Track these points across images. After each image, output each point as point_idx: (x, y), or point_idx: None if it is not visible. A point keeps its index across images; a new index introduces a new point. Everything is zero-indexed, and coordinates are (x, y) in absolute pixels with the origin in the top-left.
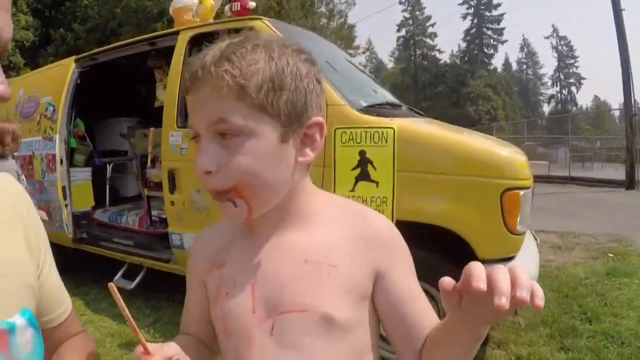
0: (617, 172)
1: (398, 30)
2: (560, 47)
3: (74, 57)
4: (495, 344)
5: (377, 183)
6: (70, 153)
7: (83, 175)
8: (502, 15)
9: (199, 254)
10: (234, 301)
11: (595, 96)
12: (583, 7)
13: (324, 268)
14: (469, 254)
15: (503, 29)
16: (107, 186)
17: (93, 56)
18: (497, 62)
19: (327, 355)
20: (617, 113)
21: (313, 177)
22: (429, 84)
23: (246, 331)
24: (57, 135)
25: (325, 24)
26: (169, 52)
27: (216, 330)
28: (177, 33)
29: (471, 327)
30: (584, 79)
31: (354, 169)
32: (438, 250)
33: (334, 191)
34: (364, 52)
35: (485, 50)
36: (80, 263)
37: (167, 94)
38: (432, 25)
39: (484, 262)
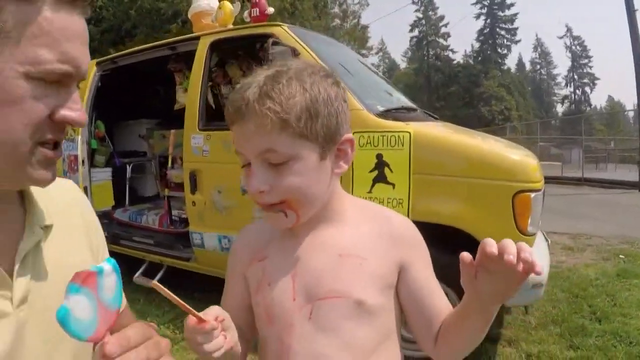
0: (631, 174)
1: (411, 31)
2: (574, 47)
3: (95, 61)
4: (506, 342)
5: (394, 185)
6: (91, 154)
7: (103, 176)
8: (515, 15)
9: (241, 250)
10: (276, 290)
11: (610, 96)
12: (597, 7)
13: (356, 260)
14: None
15: (516, 28)
16: (127, 186)
17: (114, 60)
18: (511, 62)
19: (359, 336)
20: (631, 114)
21: None
22: (442, 84)
23: (287, 317)
24: (79, 137)
25: (338, 24)
26: (188, 56)
27: (257, 318)
28: (197, 38)
29: (483, 304)
30: (598, 79)
31: (371, 171)
32: (451, 251)
33: (352, 192)
34: (377, 53)
35: (499, 50)
36: None
37: (189, 98)
38: (445, 25)
39: None
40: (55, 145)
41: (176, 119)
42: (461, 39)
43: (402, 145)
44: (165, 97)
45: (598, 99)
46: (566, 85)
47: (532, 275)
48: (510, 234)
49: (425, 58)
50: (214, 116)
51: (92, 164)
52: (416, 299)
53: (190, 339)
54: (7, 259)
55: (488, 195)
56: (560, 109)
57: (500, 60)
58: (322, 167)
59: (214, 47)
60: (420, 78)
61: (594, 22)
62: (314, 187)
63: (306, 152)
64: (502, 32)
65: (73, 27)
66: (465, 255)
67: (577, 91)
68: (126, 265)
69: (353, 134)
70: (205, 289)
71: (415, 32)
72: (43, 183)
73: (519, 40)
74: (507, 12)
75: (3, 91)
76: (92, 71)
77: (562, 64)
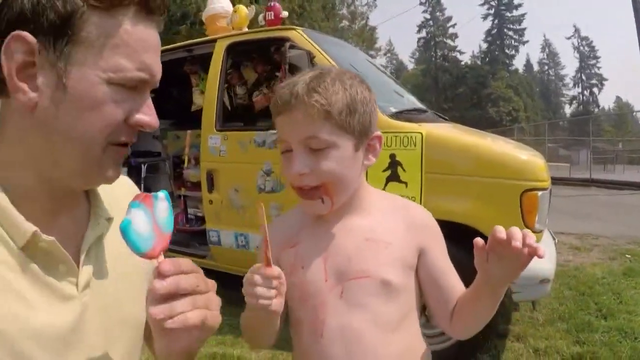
0: (639, 175)
1: (418, 32)
2: (582, 48)
3: None
4: (515, 337)
5: (406, 184)
6: None
7: None
8: (523, 15)
9: (273, 237)
10: (309, 272)
11: (618, 97)
12: (605, 7)
13: (381, 244)
14: None
15: (524, 29)
16: (142, 185)
17: None
18: (519, 63)
19: (385, 311)
20: (639, 115)
21: None
22: (450, 85)
23: (320, 296)
24: None
25: (347, 25)
26: (203, 58)
27: (290, 299)
28: (214, 41)
29: (494, 285)
30: (606, 79)
31: (384, 170)
32: (462, 247)
33: None
34: (385, 54)
35: (507, 51)
36: None
37: (206, 99)
38: (453, 26)
39: None
40: (125, 146)
41: (190, 120)
42: (469, 40)
43: (415, 146)
44: (178, 99)
45: (606, 99)
46: (574, 86)
47: (539, 270)
48: None
49: (433, 59)
50: (231, 117)
51: None
52: (434, 279)
53: (249, 279)
54: (74, 248)
55: (497, 194)
56: (568, 110)
57: (508, 61)
58: (355, 157)
59: (230, 49)
60: (428, 79)
61: (602, 23)
62: (348, 174)
63: (343, 142)
64: (510, 33)
65: (149, 39)
66: (479, 240)
67: (585, 92)
68: None
69: None
70: (221, 285)
71: (423, 33)
72: (111, 180)
73: (527, 41)
74: (515, 13)
75: (87, 95)
76: None
77: (570, 64)
